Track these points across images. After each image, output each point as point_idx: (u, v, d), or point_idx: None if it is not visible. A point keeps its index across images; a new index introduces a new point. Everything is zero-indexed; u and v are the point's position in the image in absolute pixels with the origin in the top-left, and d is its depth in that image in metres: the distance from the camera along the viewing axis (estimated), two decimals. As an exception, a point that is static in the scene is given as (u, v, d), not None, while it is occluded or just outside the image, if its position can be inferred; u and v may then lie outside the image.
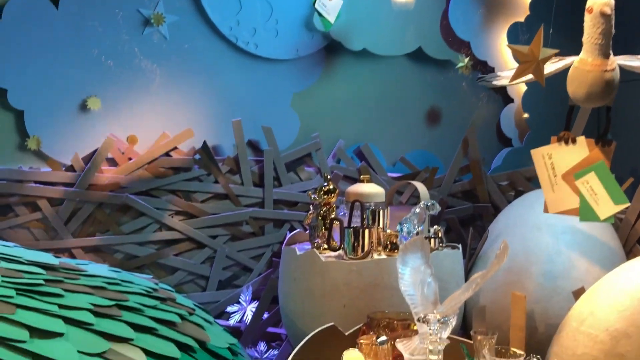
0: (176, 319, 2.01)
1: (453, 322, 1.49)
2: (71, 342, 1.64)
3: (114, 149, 2.89)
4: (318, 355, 1.50)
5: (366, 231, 2.28)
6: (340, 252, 2.35)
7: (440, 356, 1.33)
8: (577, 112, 2.49)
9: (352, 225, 2.36)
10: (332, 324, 1.73)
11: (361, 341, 1.56)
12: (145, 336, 1.84)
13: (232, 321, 2.93)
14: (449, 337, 1.41)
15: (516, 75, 2.18)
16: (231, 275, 3.05)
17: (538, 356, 1.45)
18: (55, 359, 1.56)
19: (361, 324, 1.78)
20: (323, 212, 2.45)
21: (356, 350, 1.49)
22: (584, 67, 2.09)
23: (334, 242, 2.41)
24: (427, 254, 1.53)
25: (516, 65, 2.42)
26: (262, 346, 2.88)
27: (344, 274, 2.24)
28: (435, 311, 1.44)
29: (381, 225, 2.42)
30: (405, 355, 1.39)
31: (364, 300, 2.21)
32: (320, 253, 2.35)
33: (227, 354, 2.07)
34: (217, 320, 2.59)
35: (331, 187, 2.47)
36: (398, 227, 2.29)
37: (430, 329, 1.34)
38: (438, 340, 1.32)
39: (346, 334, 1.72)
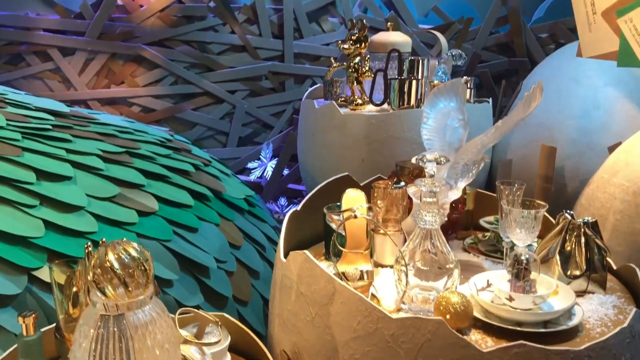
0: (190, 168, 1.96)
1: (474, 171, 1.38)
2: (79, 186, 1.61)
3: (123, -5, 2.72)
4: (330, 203, 1.44)
5: (413, 82, 2.11)
6: (385, 105, 2.20)
7: (438, 201, 1.24)
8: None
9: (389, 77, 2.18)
10: (346, 173, 1.65)
11: (376, 185, 1.49)
12: (158, 183, 1.80)
13: (252, 177, 2.91)
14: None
15: None
16: (251, 132, 2.98)
17: (570, 211, 1.35)
18: (63, 201, 1.54)
19: (376, 176, 1.70)
20: (354, 65, 2.22)
21: (358, 190, 1.41)
22: None
23: (365, 97, 2.25)
24: (462, 98, 1.38)
25: None
26: (282, 201, 2.88)
27: (364, 127, 2.13)
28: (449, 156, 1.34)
29: (420, 76, 2.22)
30: (414, 199, 1.30)
31: (384, 154, 2.11)
32: (354, 109, 2.21)
33: (243, 204, 2.04)
34: (238, 176, 2.57)
35: (361, 34, 2.21)
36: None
37: (426, 167, 1.24)
38: (435, 183, 1.22)
39: (361, 184, 1.64)
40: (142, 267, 0.89)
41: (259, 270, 1.89)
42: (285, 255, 1.27)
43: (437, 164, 1.24)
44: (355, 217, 1.30)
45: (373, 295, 1.25)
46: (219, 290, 1.72)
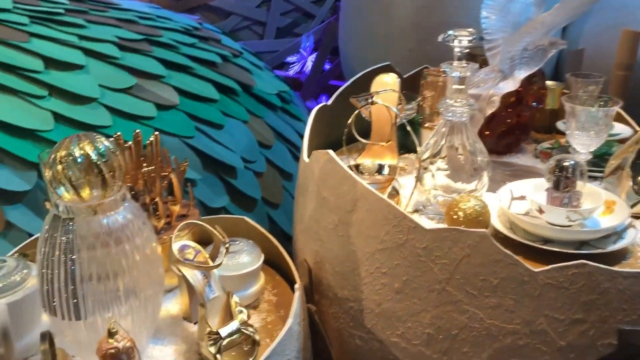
0: (217, 59, 1.79)
1: (537, 58, 1.15)
2: (92, 76, 1.48)
3: None
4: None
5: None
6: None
7: (465, 89, 1.05)
8: None
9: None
10: (388, 62, 1.44)
11: (426, 71, 1.31)
12: (180, 75, 1.65)
13: (291, 72, 2.72)
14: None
15: None
16: (291, 22, 2.74)
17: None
18: (74, 91, 1.41)
19: (423, 66, 1.49)
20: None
21: (394, 76, 1.23)
22: None
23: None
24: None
25: None
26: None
27: (412, 12, 1.88)
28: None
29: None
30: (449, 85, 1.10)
31: (434, 43, 1.86)
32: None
33: (275, 100, 1.88)
34: (275, 71, 2.38)
35: None
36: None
37: (454, 45, 1.04)
38: (463, 66, 1.03)
39: (404, 76, 1.44)
40: (100, 168, 0.77)
41: (291, 171, 1.75)
42: (309, 155, 1.11)
43: (470, 41, 1.04)
44: (373, 103, 1.12)
45: (393, 193, 1.09)
46: (247, 192, 1.60)
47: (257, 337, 0.90)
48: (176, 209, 1.08)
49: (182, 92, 1.59)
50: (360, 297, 0.98)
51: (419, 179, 1.08)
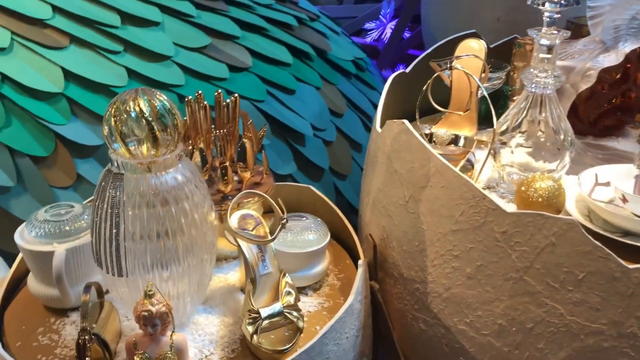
0: (293, 21, 1.73)
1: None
2: (167, 33, 1.46)
3: None
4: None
5: None
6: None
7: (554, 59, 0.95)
8: None
9: None
10: (474, 30, 1.34)
11: (520, 40, 1.21)
12: (254, 36, 1.60)
13: (369, 39, 2.62)
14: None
15: None
16: (371, -13, 2.65)
17: None
18: (148, 48, 1.40)
19: (513, 36, 1.38)
20: None
21: (481, 42, 1.14)
22: None
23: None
24: None
25: None
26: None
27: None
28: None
29: None
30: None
31: (524, 12, 1.73)
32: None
33: (350, 67, 1.80)
34: (353, 38, 2.30)
35: None
36: None
37: (543, 9, 0.94)
38: (552, 33, 0.93)
39: (491, 45, 1.33)
40: (153, 126, 0.74)
41: (361, 142, 1.69)
42: (382, 125, 1.04)
43: (563, 5, 0.93)
44: (451, 68, 1.04)
45: (468, 166, 1.01)
46: (314, 161, 1.55)
47: (300, 323, 0.85)
48: (247, 175, 1.04)
49: (255, 54, 1.55)
50: (428, 279, 0.92)
51: (493, 153, 1.00)
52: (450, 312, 0.90)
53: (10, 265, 1.04)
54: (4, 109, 1.24)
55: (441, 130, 1.09)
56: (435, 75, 1.05)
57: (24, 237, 0.93)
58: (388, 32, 2.56)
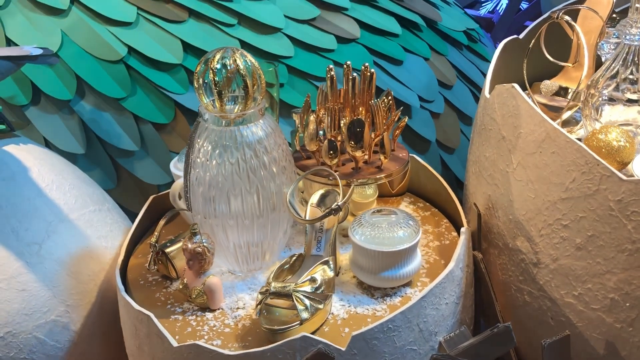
0: (403, -8, 1.71)
1: None
2: (278, 5, 1.50)
3: None
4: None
5: None
6: None
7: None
8: None
9: None
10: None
11: None
12: (362, 7, 1.60)
13: (483, 11, 2.53)
14: None
15: None
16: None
17: None
18: (261, 21, 1.45)
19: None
20: None
21: None
22: None
23: None
24: None
25: None
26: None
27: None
28: None
29: None
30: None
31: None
32: None
33: (461, 38, 1.75)
34: (467, 10, 2.23)
35: None
36: None
37: None
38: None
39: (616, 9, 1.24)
40: (238, 81, 0.83)
41: (471, 115, 1.64)
42: (491, 90, 1.01)
43: None
44: (555, 19, 0.98)
45: (571, 121, 0.97)
46: (421, 133, 1.53)
47: (304, 314, 0.80)
48: (358, 154, 1.01)
49: (363, 25, 1.55)
50: (535, 250, 0.89)
51: (587, 106, 0.94)
52: (557, 284, 0.86)
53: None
54: (130, 79, 1.35)
55: (547, 81, 1.04)
56: (546, 24, 1.00)
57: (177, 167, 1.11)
58: (504, 3, 2.45)
